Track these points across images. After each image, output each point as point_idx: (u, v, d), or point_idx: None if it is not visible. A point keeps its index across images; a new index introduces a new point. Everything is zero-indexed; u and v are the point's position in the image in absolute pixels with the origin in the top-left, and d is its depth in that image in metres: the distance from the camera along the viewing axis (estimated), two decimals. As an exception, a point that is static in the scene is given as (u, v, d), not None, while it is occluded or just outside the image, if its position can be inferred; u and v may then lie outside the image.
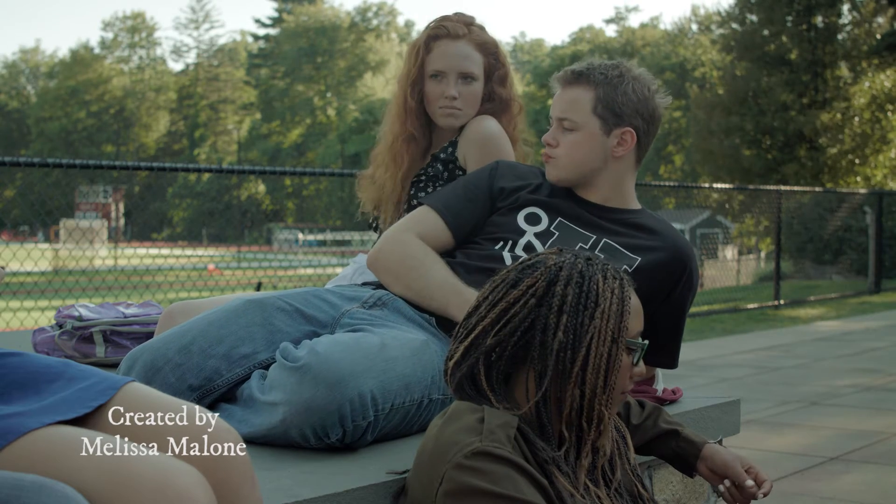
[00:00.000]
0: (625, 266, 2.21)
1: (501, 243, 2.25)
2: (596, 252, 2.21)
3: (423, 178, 2.64)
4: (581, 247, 2.23)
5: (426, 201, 2.35)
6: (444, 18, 2.68)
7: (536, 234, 2.26)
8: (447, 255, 2.28)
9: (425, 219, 2.31)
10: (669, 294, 2.28)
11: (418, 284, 2.20)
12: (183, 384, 1.99)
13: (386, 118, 2.76)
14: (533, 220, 2.29)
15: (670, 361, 2.39)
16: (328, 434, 1.82)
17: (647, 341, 1.62)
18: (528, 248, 2.23)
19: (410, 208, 2.63)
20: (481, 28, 2.70)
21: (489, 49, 2.66)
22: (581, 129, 2.25)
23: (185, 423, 1.27)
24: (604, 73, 2.25)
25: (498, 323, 1.57)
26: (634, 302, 1.61)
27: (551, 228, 2.27)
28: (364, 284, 2.36)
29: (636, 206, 2.36)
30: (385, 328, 2.07)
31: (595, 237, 2.25)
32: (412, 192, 2.64)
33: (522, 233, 2.26)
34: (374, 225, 2.78)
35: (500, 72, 2.67)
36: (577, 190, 2.33)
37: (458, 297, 2.12)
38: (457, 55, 2.61)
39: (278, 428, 1.86)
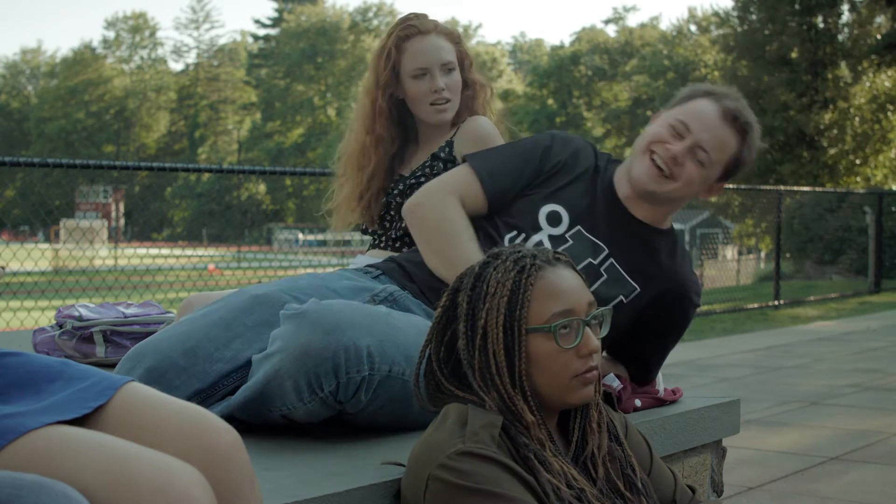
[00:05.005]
0: (621, 296, 2.20)
1: (514, 233, 2.24)
2: (601, 271, 2.20)
3: (423, 178, 2.63)
4: (589, 262, 2.21)
5: (472, 162, 2.32)
6: (407, 19, 2.68)
7: (550, 237, 2.23)
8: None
9: (466, 182, 2.28)
10: (659, 327, 2.29)
11: (448, 254, 2.18)
12: (189, 388, 1.95)
13: (349, 131, 2.75)
14: (553, 220, 2.25)
15: (644, 376, 2.40)
16: (322, 385, 1.80)
17: (567, 319, 1.55)
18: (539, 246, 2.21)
19: (398, 207, 2.64)
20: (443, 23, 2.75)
21: (456, 38, 2.70)
22: (708, 170, 2.20)
23: (184, 422, 1.27)
24: (753, 133, 2.22)
25: (434, 341, 1.63)
26: (547, 283, 1.57)
27: (566, 235, 2.24)
28: (368, 267, 2.33)
29: (667, 225, 2.32)
30: None
31: (606, 252, 2.22)
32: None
33: (538, 230, 2.24)
34: (367, 230, 2.79)
35: (468, 60, 2.71)
36: (632, 200, 2.27)
37: None
38: (435, 48, 2.62)
39: (274, 380, 1.83)
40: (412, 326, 1.93)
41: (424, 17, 2.70)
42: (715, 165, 2.19)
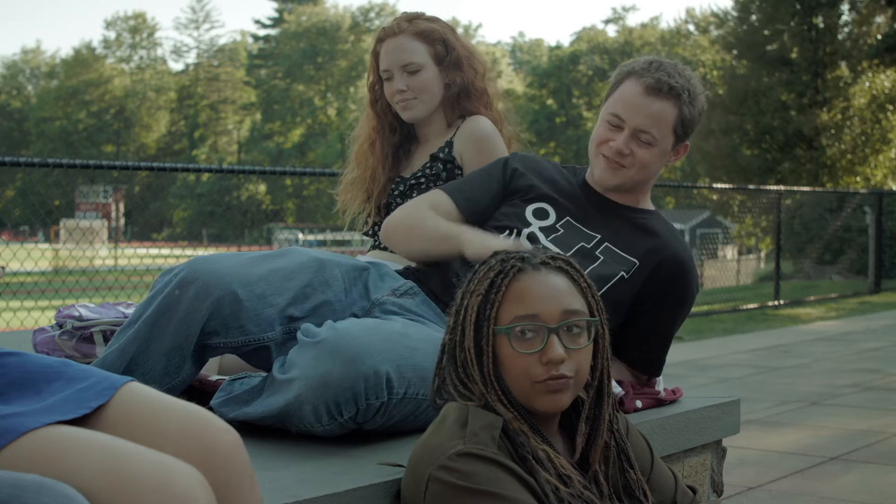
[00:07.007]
0: (622, 272, 2.23)
1: (507, 232, 2.27)
2: (596, 254, 2.25)
3: (423, 178, 2.65)
4: (582, 245, 2.26)
5: (440, 187, 2.41)
6: (393, 20, 2.74)
7: (541, 228, 2.29)
8: None
9: (437, 199, 2.36)
10: (660, 301, 2.29)
11: (423, 233, 2.25)
12: (236, 321, 1.98)
13: (360, 121, 2.86)
14: (541, 214, 2.31)
15: (651, 369, 2.39)
16: (341, 411, 1.83)
17: (529, 324, 1.54)
18: (532, 237, 2.25)
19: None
20: (431, 20, 2.72)
21: (433, 37, 2.68)
22: (658, 146, 2.26)
23: (184, 422, 1.27)
24: (688, 90, 2.25)
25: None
26: (521, 286, 1.57)
27: (557, 225, 2.29)
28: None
29: (649, 206, 2.39)
30: (412, 320, 2.09)
31: (598, 238, 2.28)
32: (414, 195, 2.64)
33: (528, 224, 2.29)
34: (368, 232, 2.80)
35: (451, 56, 2.69)
36: (608, 193, 2.35)
37: (465, 233, 2.18)
38: (394, 51, 2.67)
39: (293, 404, 1.86)
40: (427, 343, 1.93)
41: (407, 16, 2.71)
42: (662, 138, 2.25)
